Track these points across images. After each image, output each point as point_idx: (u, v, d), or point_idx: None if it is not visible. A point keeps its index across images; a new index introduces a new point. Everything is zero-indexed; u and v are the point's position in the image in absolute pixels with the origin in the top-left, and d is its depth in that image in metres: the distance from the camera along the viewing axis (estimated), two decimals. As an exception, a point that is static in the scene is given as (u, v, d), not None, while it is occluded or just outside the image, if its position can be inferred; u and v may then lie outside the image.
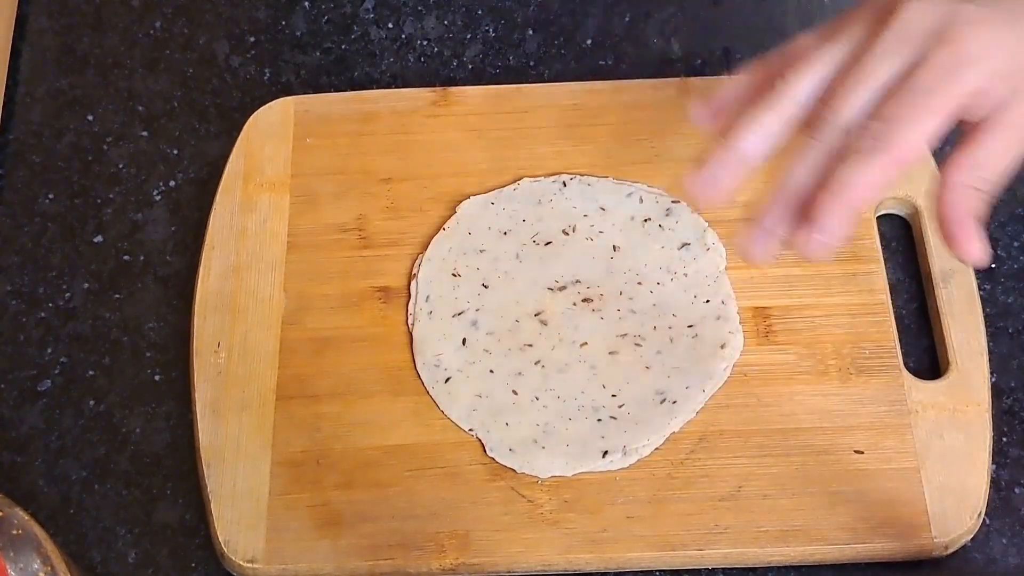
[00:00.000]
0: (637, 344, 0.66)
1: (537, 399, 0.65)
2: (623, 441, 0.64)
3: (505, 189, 0.71)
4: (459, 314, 0.67)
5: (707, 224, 0.69)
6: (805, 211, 0.54)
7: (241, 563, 0.62)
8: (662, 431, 0.64)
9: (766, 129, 0.55)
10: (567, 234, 0.69)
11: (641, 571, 0.63)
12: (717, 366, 0.66)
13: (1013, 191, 0.72)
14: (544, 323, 0.67)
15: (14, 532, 0.51)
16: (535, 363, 0.66)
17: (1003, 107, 0.54)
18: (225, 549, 0.62)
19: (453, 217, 0.70)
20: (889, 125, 0.52)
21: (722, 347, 0.66)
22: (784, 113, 0.55)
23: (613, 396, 0.65)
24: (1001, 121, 0.54)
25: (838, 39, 0.55)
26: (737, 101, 0.57)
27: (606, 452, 0.63)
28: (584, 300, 0.68)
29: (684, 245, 0.69)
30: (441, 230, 0.70)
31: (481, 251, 0.69)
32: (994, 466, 0.64)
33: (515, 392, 0.65)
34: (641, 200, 0.70)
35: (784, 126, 0.55)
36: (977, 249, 0.53)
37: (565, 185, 0.71)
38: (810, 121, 0.55)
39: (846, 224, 0.53)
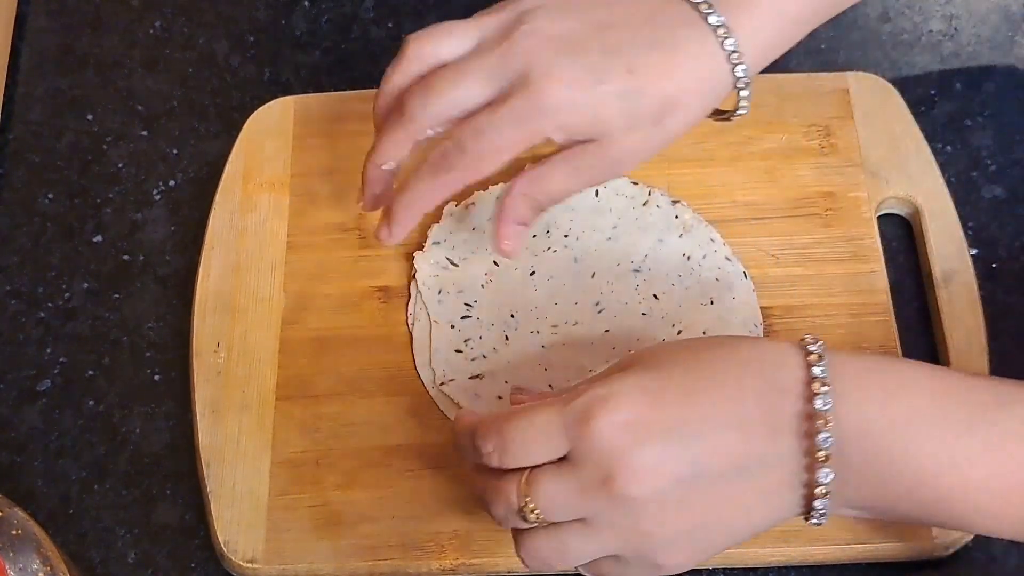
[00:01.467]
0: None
1: None
2: None
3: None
4: (463, 317, 0.67)
5: (714, 232, 0.69)
6: (389, 207, 0.62)
7: (241, 563, 0.62)
8: None
9: (394, 151, 0.62)
10: (567, 236, 0.69)
11: (641, 571, 0.63)
12: None
13: (1013, 191, 0.72)
14: (549, 321, 0.67)
15: (14, 532, 0.51)
16: (537, 364, 0.66)
17: (573, 146, 0.60)
18: (225, 549, 0.62)
19: (447, 207, 0.70)
20: (462, 151, 0.59)
21: None
22: (412, 133, 0.61)
23: None
24: (569, 154, 0.60)
25: (467, 29, 0.61)
26: (379, 120, 0.64)
27: None
28: (593, 303, 0.68)
29: (689, 252, 0.69)
30: (436, 223, 0.70)
31: (485, 248, 0.69)
32: (995, 466, 0.64)
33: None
34: (658, 206, 0.70)
35: (411, 143, 0.62)
36: (507, 245, 0.62)
37: None
38: (406, 100, 0.61)
39: (410, 222, 0.62)
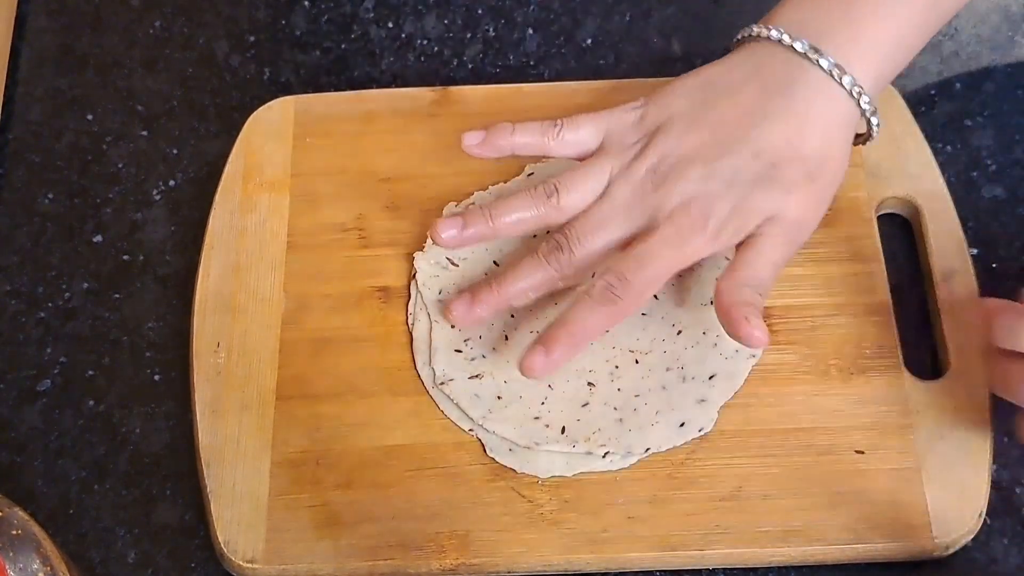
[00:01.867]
0: (645, 352, 0.66)
1: (541, 404, 0.65)
2: (626, 442, 0.63)
3: (515, 180, 0.71)
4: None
5: None
6: (541, 338, 0.62)
7: (241, 563, 0.62)
8: (668, 440, 0.64)
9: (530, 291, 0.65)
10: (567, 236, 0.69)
11: (642, 571, 0.63)
12: (736, 379, 0.65)
13: (1013, 191, 0.72)
14: (549, 321, 0.67)
15: (13, 532, 0.51)
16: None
17: (751, 236, 0.62)
18: (225, 549, 0.62)
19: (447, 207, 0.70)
20: (626, 282, 0.61)
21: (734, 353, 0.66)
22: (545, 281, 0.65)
23: (615, 403, 0.65)
24: (754, 244, 0.62)
25: (601, 162, 0.64)
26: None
27: (607, 452, 0.63)
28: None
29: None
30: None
31: (485, 248, 0.69)
32: (995, 466, 0.64)
33: (520, 397, 0.65)
34: None
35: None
36: (760, 338, 0.60)
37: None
38: (549, 240, 0.64)
39: (571, 355, 0.62)
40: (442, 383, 0.65)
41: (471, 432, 0.65)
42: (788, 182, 0.62)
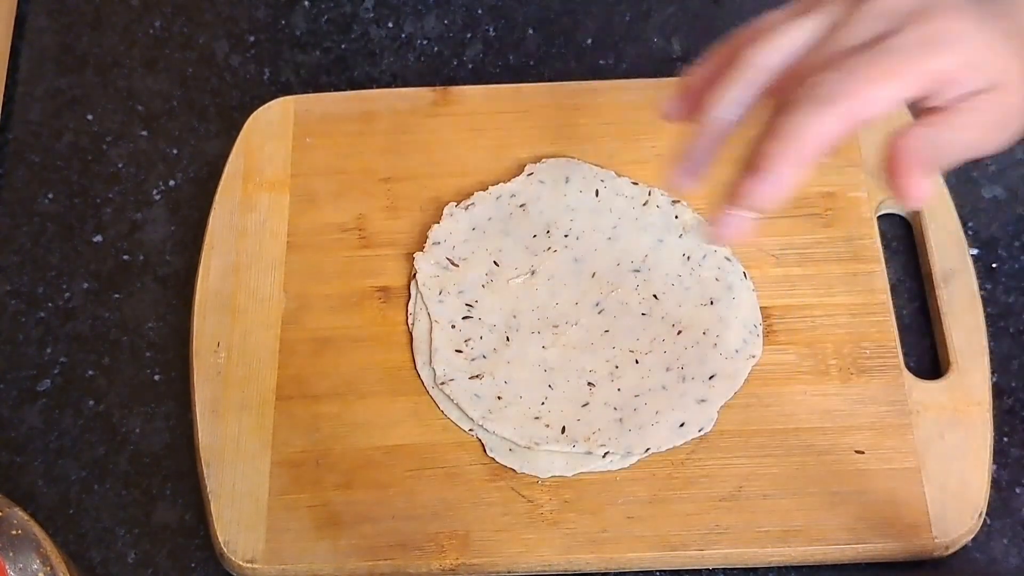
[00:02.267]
0: (645, 352, 0.66)
1: (542, 404, 0.65)
2: (626, 442, 0.64)
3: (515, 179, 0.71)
4: (463, 317, 0.67)
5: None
6: (753, 163, 0.51)
7: (241, 563, 0.62)
8: (668, 440, 0.64)
9: (735, 96, 0.53)
10: (567, 236, 0.69)
11: (641, 571, 0.63)
12: (736, 379, 0.65)
13: (1013, 191, 0.72)
14: (549, 321, 0.67)
15: (13, 532, 0.51)
16: (537, 365, 0.66)
17: (972, 96, 0.52)
18: (225, 549, 0.62)
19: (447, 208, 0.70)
20: (850, 75, 0.50)
21: (734, 354, 0.66)
22: (753, 80, 0.53)
23: (615, 403, 0.65)
24: (970, 105, 0.52)
25: (812, 13, 0.53)
26: (705, 82, 0.55)
27: (607, 453, 0.63)
28: (594, 303, 0.68)
29: (689, 252, 0.69)
30: (436, 223, 0.70)
31: (485, 248, 0.69)
32: (995, 466, 0.64)
33: (520, 397, 0.65)
34: (658, 206, 0.70)
35: (753, 92, 0.53)
36: (919, 193, 0.52)
37: (568, 181, 0.71)
38: (777, 93, 0.52)
39: (796, 174, 0.50)
40: (442, 383, 0.65)
41: (471, 432, 0.65)
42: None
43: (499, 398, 0.65)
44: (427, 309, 0.67)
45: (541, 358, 0.66)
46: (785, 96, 0.51)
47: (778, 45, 0.53)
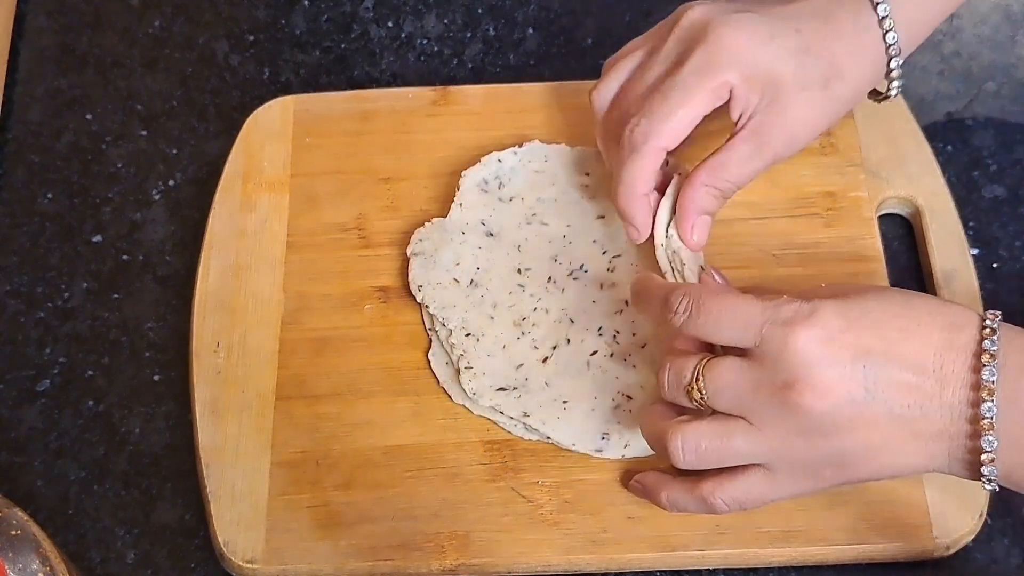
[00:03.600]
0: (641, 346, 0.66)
1: (560, 402, 0.65)
2: (628, 435, 0.64)
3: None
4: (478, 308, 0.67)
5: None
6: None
7: (240, 564, 0.62)
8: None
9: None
10: (569, 226, 0.69)
11: (642, 571, 0.62)
12: None
13: (1014, 191, 0.72)
14: (567, 315, 0.67)
15: (13, 532, 0.51)
16: (543, 359, 0.66)
17: (751, 115, 0.62)
18: (224, 550, 0.62)
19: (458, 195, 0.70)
20: (650, 120, 0.62)
21: None
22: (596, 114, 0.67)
23: (628, 397, 0.65)
24: (747, 128, 0.62)
25: (641, 45, 0.66)
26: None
27: (606, 434, 0.63)
28: (599, 286, 0.68)
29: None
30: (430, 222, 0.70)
31: (489, 234, 0.69)
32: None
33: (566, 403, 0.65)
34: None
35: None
36: (697, 238, 0.63)
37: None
38: (611, 119, 0.66)
39: (636, 208, 0.63)
40: (457, 377, 0.65)
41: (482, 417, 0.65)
42: (809, 74, 0.62)
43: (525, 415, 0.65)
44: (450, 354, 0.67)
45: (558, 357, 0.66)
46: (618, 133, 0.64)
47: (614, 79, 0.66)
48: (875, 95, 0.67)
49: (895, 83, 0.65)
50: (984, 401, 0.53)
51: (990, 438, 0.53)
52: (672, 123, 0.62)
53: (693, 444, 0.56)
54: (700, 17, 0.63)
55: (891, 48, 0.63)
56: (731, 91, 0.62)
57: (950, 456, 0.55)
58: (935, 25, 0.66)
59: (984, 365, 0.53)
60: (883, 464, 0.56)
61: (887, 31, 0.63)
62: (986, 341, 0.54)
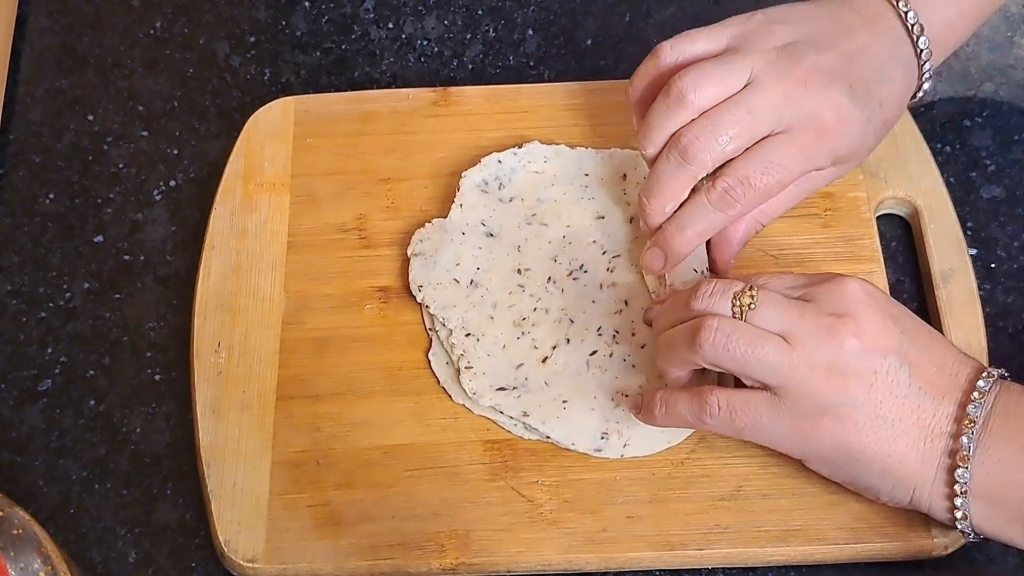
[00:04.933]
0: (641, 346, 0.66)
1: (561, 402, 0.65)
2: (627, 435, 0.64)
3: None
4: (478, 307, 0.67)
5: None
6: (657, 238, 0.65)
7: (241, 563, 0.62)
8: (667, 440, 0.64)
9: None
10: (569, 226, 0.69)
11: (641, 571, 0.63)
12: None
13: (1012, 191, 0.72)
14: (567, 316, 0.67)
15: (14, 532, 0.51)
16: (542, 358, 0.66)
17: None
18: (225, 549, 0.62)
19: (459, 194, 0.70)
20: (743, 190, 0.62)
21: None
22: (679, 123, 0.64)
23: (626, 395, 0.65)
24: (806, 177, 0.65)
25: (732, 59, 0.63)
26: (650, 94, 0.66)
27: (605, 434, 0.64)
28: (597, 285, 0.68)
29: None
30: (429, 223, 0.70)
31: (489, 235, 0.69)
32: (994, 466, 0.64)
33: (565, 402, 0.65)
34: None
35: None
36: (733, 264, 0.67)
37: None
38: (683, 137, 0.63)
39: (687, 253, 0.65)
40: (458, 376, 0.65)
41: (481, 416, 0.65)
42: (880, 136, 0.66)
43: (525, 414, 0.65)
44: (450, 354, 0.67)
45: (559, 357, 0.66)
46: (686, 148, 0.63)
47: (705, 93, 0.63)
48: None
49: (925, 85, 0.67)
50: (958, 467, 0.56)
51: (961, 500, 0.57)
52: (766, 198, 0.64)
53: (725, 335, 0.57)
54: (807, 83, 0.63)
55: (923, 54, 0.65)
56: (819, 170, 0.65)
57: (937, 468, 0.57)
58: (970, 31, 0.68)
59: (962, 433, 0.57)
60: (879, 441, 0.57)
61: (918, 37, 0.65)
62: (969, 406, 0.57)
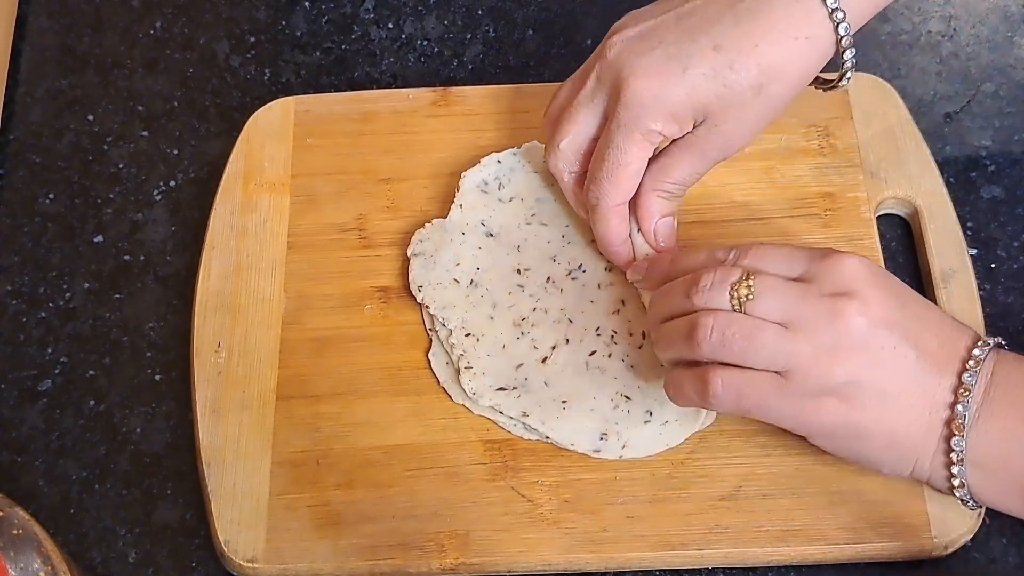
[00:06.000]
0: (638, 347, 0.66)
1: (561, 403, 0.65)
2: (625, 436, 0.64)
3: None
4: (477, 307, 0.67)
5: None
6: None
7: (241, 563, 0.62)
8: (665, 442, 0.64)
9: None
10: (568, 226, 0.69)
11: (641, 571, 0.63)
12: None
13: (1012, 191, 0.72)
14: (567, 317, 0.67)
15: (14, 532, 0.51)
16: (544, 359, 0.66)
17: (692, 131, 0.63)
18: (225, 549, 0.62)
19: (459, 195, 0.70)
20: (597, 185, 0.64)
21: None
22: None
23: (626, 396, 0.65)
24: (683, 141, 0.63)
25: (574, 87, 0.66)
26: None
27: (605, 434, 0.64)
28: (595, 286, 0.68)
29: None
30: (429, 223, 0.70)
31: (490, 235, 0.69)
32: (994, 466, 0.64)
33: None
34: None
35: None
36: (664, 240, 0.66)
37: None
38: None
39: (619, 256, 0.66)
40: (458, 376, 0.65)
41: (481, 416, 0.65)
42: (735, 89, 0.61)
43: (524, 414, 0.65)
44: (450, 354, 0.67)
45: (559, 358, 0.66)
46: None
47: (565, 146, 0.66)
48: (822, 84, 0.65)
49: (848, 66, 0.63)
50: (953, 435, 0.57)
51: (958, 468, 0.58)
52: (615, 182, 0.63)
53: (723, 326, 0.57)
54: (614, 62, 0.63)
55: (843, 40, 0.61)
56: (660, 133, 0.62)
57: (938, 439, 0.58)
58: (882, 6, 0.63)
59: (957, 401, 0.57)
60: (885, 417, 0.57)
61: (839, 23, 0.60)
62: (965, 375, 0.57)
